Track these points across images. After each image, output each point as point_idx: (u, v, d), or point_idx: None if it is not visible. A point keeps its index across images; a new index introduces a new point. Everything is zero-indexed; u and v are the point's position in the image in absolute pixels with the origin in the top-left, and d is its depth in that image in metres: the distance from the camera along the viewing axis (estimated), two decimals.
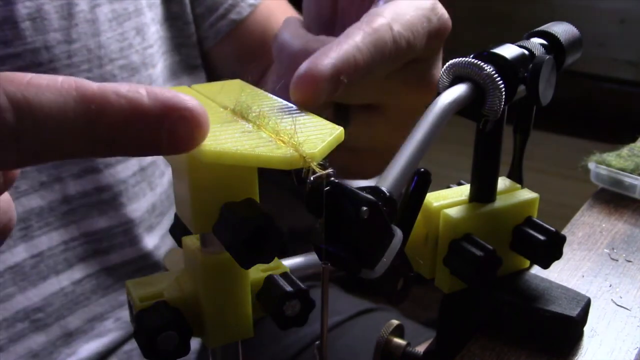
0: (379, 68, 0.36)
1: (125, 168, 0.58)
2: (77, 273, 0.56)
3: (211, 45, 0.67)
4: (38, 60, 0.51)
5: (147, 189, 0.60)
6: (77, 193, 0.55)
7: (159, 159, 0.62)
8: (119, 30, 0.56)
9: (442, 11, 0.40)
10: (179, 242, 0.33)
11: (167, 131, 0.24)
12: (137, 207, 0.59)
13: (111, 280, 0.59)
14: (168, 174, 0.64)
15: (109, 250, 0.58)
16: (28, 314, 0.52)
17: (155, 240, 0.62)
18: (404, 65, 0.39)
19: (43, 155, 0.24)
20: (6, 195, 0.30)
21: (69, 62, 0.52)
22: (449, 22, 0.41)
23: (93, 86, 0.24)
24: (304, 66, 0.33)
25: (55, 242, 0.54)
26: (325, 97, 0.33)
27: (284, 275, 0.31)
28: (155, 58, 0.60)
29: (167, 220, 0.64)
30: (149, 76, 0.59)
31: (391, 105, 0.43)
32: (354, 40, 0.34)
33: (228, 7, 0.66)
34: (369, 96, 0.42)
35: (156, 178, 0.61)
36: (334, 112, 0.42)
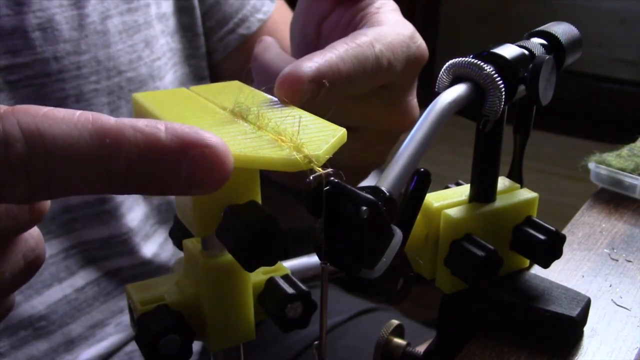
0: (359, 83, 0.38)
1: None
2: (79, 280, 0.56)
3: (219, 59, 0.67)
4: (47, 71, 0.51)
5: (140, 198, 0.60)
6: (79, 203, 0.55)
7: None
8: (129, 43, 0.56)
9: (421, 41, 0.43)
10: (178, 245, 0.32)
11: (185, 169, 0.23)
12: (133, 217, 0.59)
13: (112, 286, 0.59)
14: None
15: (109, 258, 0.58)
16: (32, 322, 0.53)
17: (153, 248, 0.62)
18: (380, 89, 0.41)
19: (55, 189, 0.23)
20: (36, 231, 0.29)
21: (78, 73, 0.52)
22: (426, 52, 0.43)
23: (110, 120, 0.23)
24: (288, 67, 0.34)
25: (56, 249, 0.54)
26: (307, 97, 0.34)
27: (285, 277, 0.31)
28: (163, 70, 0.60)
29: (165, 229, 0.64)
30: (156, 89, 0.59)
31: (366, 128, 0.45)
32: (338, 51, 0.37)
33: (237, 22, 0.66)
34: (346, 117, 0.43)
35: None
36: None
